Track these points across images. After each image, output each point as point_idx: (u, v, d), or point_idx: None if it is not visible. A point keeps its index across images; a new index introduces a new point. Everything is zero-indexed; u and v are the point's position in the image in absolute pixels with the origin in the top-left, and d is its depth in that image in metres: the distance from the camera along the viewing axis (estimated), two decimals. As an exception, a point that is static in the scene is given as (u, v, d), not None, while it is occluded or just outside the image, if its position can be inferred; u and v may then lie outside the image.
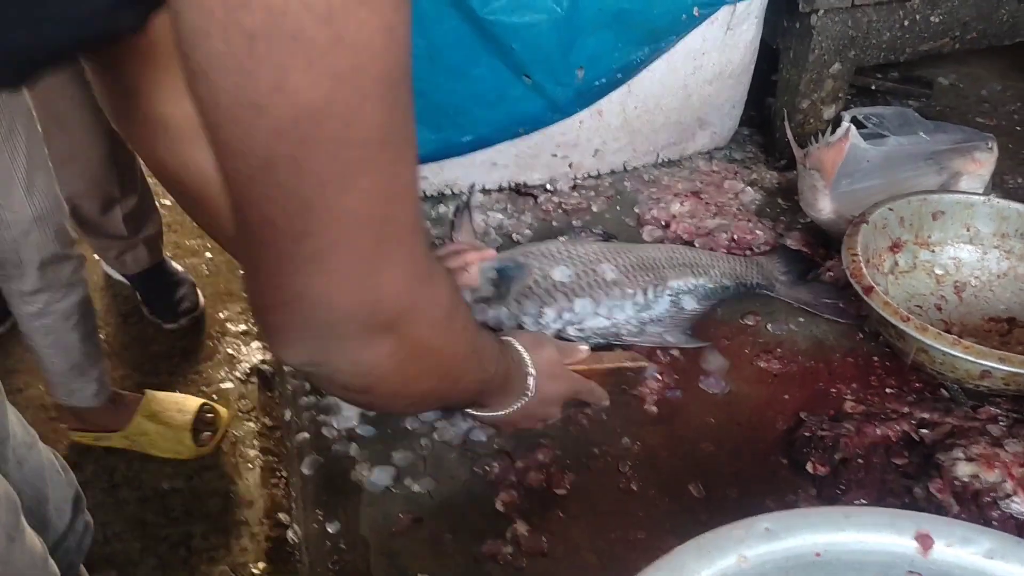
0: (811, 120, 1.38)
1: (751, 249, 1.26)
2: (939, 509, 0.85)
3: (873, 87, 1.66)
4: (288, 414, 0.98)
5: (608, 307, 1.08)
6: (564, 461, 0.95)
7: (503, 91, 1.17)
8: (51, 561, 0.94)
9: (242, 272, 0.65)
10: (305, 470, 0.95)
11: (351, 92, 0.42)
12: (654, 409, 1.01)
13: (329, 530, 0.89)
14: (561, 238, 1.22)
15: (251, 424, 1.80)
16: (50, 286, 1.39)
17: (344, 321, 0.51)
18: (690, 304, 1.14)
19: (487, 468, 0.94)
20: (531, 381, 0.82)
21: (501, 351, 0.78)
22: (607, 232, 1.26)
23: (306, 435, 0.98)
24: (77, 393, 1.56)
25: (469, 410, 0.84)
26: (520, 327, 1.03)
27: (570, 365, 0.91)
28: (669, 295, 1.13)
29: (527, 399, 0.82)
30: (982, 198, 1.19)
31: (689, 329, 1.12)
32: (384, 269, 0.50)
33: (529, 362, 0.82)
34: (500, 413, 0.82)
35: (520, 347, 0.82)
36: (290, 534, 0.93)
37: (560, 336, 1.04)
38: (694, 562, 0.60)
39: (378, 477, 0.93)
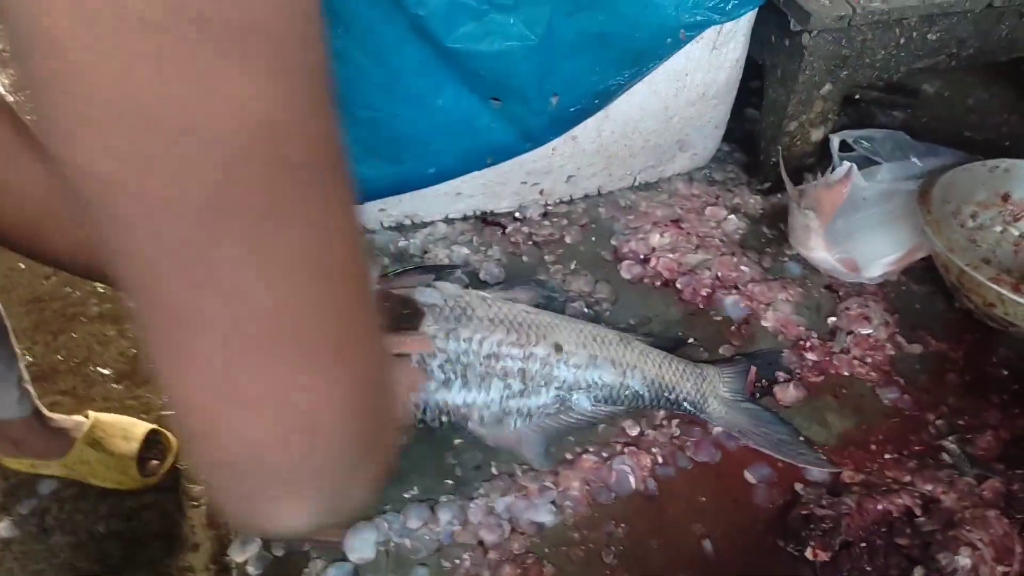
0: (798, 143, 1.29)
1: (736, 288, 1.17)
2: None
3: (857, 96, 1.57)
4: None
5: (468, 381, 0.89)
6: (542, 550, 0.86)
7: (470, 121, 1.05)
8: None
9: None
10: (251, 570, 0.84)
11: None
12: (641, 486, 0.92)
13: (280, 645, 0.79)
14: (492, 290, 1.02)
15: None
16: None
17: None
18: (581, 404, 0.92)
19: (456, 562, 0.85)
20: None
21: None
22: (547, 290, 1.07)
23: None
24: None
25: None
26: None
27: None
28: (556, 387, 0.92)
29: None
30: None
31: (553, 444, 0.92)
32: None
33: None
34: None
35: None
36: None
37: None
38: None
39: (335, 577, 0.82)
